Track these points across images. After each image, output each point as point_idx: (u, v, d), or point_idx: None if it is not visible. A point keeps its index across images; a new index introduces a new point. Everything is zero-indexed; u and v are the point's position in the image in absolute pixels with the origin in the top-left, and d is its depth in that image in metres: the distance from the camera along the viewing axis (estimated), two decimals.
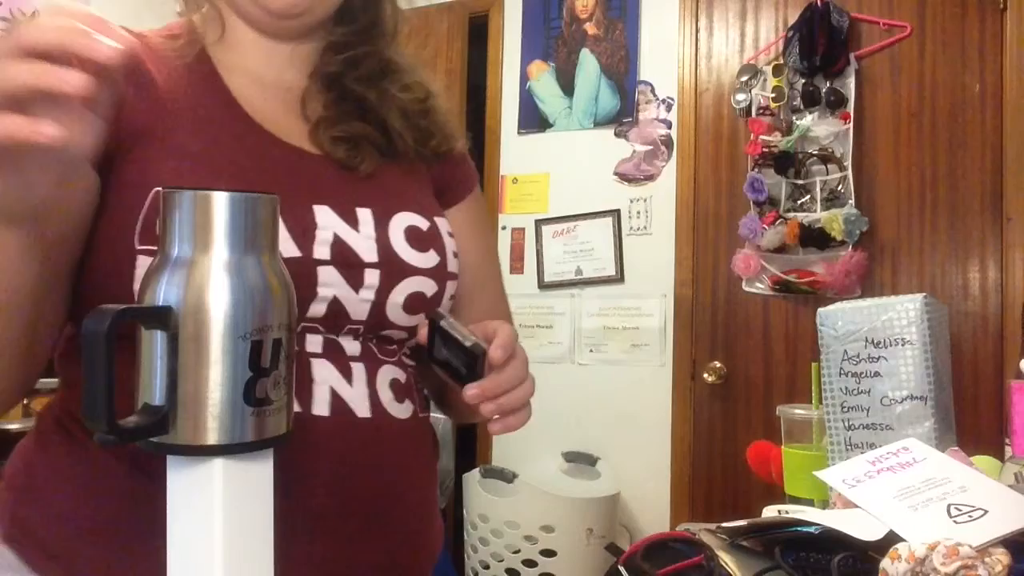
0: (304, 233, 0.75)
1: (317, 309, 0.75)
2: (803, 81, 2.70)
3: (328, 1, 0.83)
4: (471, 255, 0.93)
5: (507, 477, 2.72)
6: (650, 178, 3.00)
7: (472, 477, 2.79)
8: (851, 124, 2.64)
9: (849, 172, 2.63)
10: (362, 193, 0.82)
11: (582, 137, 3.13)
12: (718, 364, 2.84)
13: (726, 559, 0.84)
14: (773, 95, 2.73)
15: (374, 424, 0.78)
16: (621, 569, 0.97)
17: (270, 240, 0.55)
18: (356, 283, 0.77)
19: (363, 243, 0.78)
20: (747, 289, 2.80)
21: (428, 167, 0.91)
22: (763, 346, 2.80)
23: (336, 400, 0.76)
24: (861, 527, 0.81)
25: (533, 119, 3.22)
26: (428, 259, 0.82)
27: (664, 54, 3.01)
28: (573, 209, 3.10)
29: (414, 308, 0.81)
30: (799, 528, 0.85)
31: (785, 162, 2.69)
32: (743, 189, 2.74)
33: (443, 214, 0.90)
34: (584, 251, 3.07)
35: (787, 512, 1.07)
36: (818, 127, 2.68)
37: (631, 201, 3.02)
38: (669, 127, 2.98)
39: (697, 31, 2.96)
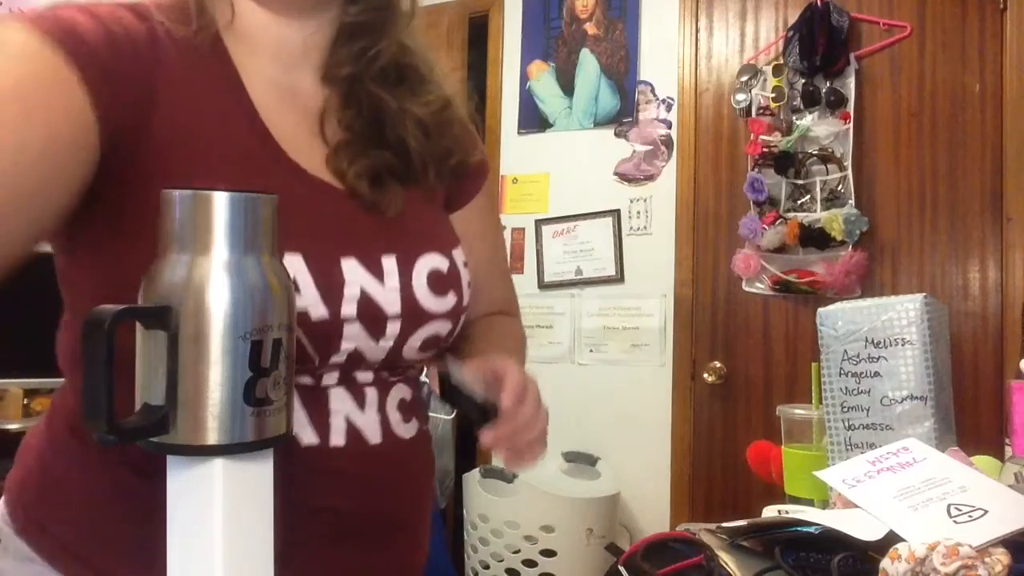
0: (331, 291, 0.74)
1: (336, 359, 0.77)
2: (803, 81, 2.70)
3: None
4: (479, 252, 0.94)
5: (507, 477, 2.72)
6: (650, 178, 3.00)
7: (472, 477, 2.79)
8: (851, 124, 2.64)
9: (849, 172, 2.63)
10: (387, 238, 0.80)
11: (582, 137, 3.13)
12: (718, 364, 2.84)
13: (726, 559, 0.84)
14: (773, 95, 2.73)
15: (385, 449, 0.81)
16: (621, 569, 0.97)
17: (270, 240, 0.55)
18: (378, 335, 0.78)
19: (387, 296, 0.78)
20: (747, 289, 2.80)
21: (444, 184, 0.90)
22: (763, 346, 2.80)
23: (350, 428, 0.78)
24: (861, 527, 0.81)
25: (533, 119, 3.22)
26: (447, 302, 0.83)
27: (664, 54, 3.01)
28: (573, 209, 3.10)
29: (429, 347, 0.84)
30: (799, 528, 0.85)
31: (785, 162, 2.69)
32: (743, 189, 2.74)
33: (458, 240, 0.89)
34: (584, 251, 3.07)
35: (787, 512, 1.07)
36: (818, 127, 2.68)
37: (631, 201, 3.02)
38: (669, 127, 2.98)
39: (697, 31, 2.96)
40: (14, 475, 0.82)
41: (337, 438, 0.77)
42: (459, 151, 0.90)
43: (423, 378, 0.92)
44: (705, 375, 2.84)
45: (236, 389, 0.52)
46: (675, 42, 2.99)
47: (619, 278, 3.02)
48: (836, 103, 2.65)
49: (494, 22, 3.31)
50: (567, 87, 3.17)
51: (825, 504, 1.19)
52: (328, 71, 0.83)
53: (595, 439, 2.96)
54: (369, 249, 0.78)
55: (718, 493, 2.83)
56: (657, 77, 3.02)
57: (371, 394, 0.80)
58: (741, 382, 2.83)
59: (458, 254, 0.87)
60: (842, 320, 1.22)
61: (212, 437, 0.52)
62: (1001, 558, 0.72)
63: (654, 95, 3.02)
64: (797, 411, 1.41)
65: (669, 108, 2.99)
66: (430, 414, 0.96)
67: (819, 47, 2.64)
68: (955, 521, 0.79)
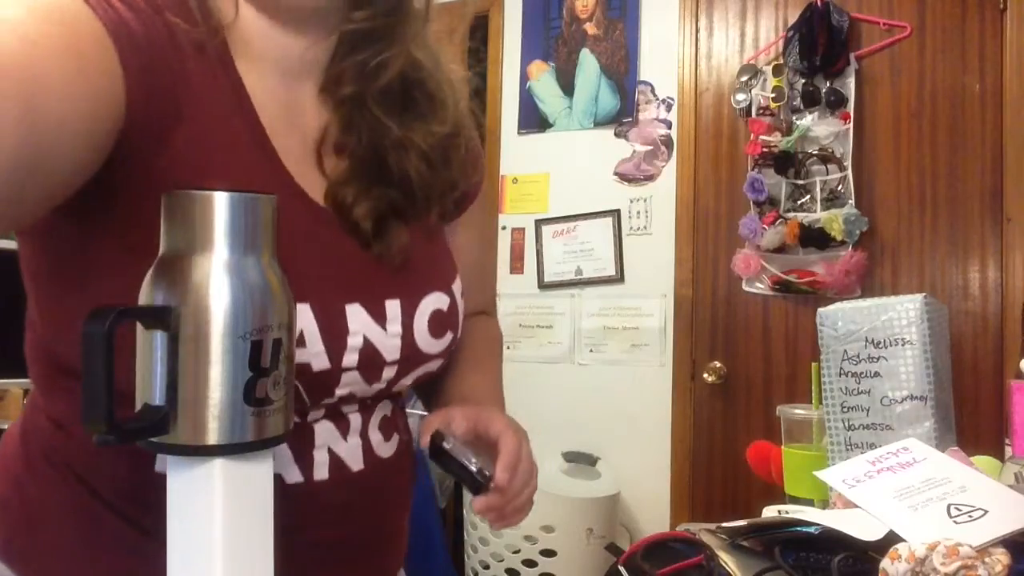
0: (335, 341, 0.72)
1: (328, 401, 0.76)
2: (803, 81, 2.70)
3: None
4: (468, 256, 0.92)
5: None
6: (650, 178, 3.00)
7: None
8: (851, 124, 2.64)
9: (849, 172, 2.63)
10: (390, 281, 0.77)
11: (582, 137, 3.13)
12: (718, 364, 2.84)
13: (726, 559, 0.84)
14: (773, 95, 2.73)
15: (367, 474, 0.80)
16: (621, 569, 0.97)
17: (270, 240, 0.55)
18: (373, 379, 0.77)
19: (389, 342, 0.76)
20: (747, 289, 2.80)
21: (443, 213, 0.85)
22: (763, 346, 2.80)
23: (333, 459, 0.77)
24: (861, 527, 0.81)
25: (533, 119, 3.22)
26: (443, 342, 0.82)
27: (664, 54, 3.01)
28: (573, 209, 3.10)
29: (420, 381, 0.83)
30: (799, 528, 0.85)
31: (785, 162, 2.69)
32: (743, 189, 2.74)
33: (456, 271, 0.86)
34: (584, 251, 3.07)
35: (787, 512, 1.07)
36: (818, 127, 2.68)
37: (631, 201, 3.02)
38: (669, 127, 2.99)
39: (697, 31, 2.96)
40: None
41: (321, 472, 0.76)
42: (463, 181, 0.86)
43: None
44: (705, 375, 2.84)
45: (236, 389, 0.52)
46: (675, 42, 2.99)
47: (619, 278, 3.02)
48: (836, 103, 2.65)
49: (494, 22, 3.31)
50: (567, 87, 3.17)
51: (825, 504, 1.19)
52: (329, 86, 0.77)
53: (595, 439, 2.96)
54: (373, 294, 0.76)
55: (718, 493, 2.83)
56: (657, 77, 3.02)
57: (354, 420, 0.79)
58: (741, 382, 2.83)
59: (456, 286, 0.85)
60: (842, 320, 1.22)
61: (212, 437, 0.52)
62: (1001, 558, 0.72)
63: (654, 95, 3.02)
64: (797, 411, 1.41)
65: (669, 108, 2.99)
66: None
67: (819, 47, 2.65)
68: (955, 521, 0.79)
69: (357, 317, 0.74)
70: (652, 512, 2.88)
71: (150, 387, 0.52)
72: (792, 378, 2.72)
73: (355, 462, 0.79)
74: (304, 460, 0.75)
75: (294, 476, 0.74)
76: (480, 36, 3.38)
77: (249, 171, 0.70)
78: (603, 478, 2.84)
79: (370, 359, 0.75)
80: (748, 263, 2.72)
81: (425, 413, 0.89)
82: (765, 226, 2.67)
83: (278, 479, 0.67)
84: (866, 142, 2.67)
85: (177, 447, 0.52)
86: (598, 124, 3.10)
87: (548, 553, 2.58)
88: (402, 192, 0.78)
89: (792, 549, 0.83)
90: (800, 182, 2.71)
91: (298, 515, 0.73)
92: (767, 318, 2.80)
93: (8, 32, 0.51)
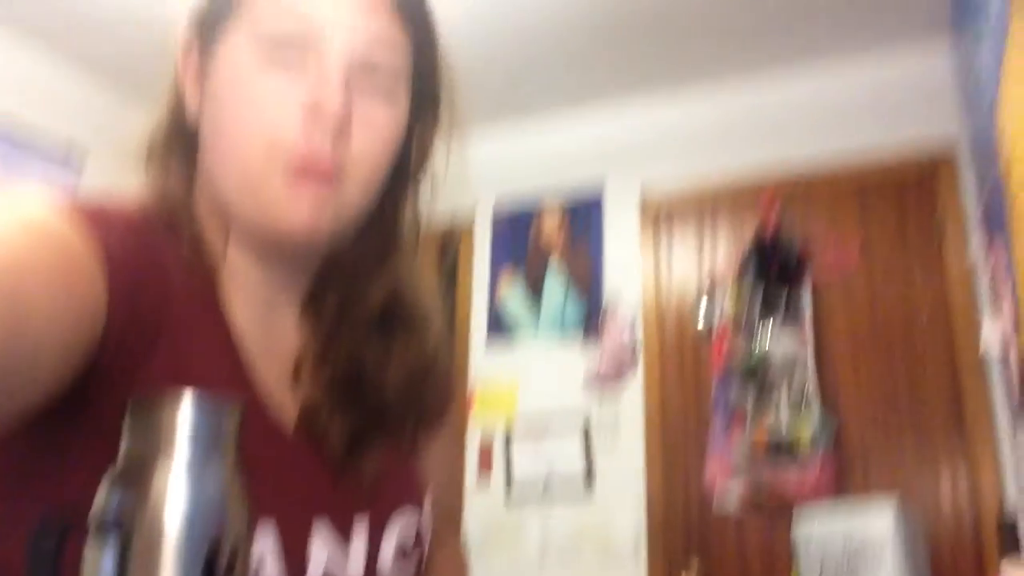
0: (296, 572, 0.65)
1: None
2: (761, 300, 2.82)
3: (348, 220, 0.69)
4: (436, 477, 0.87)
5: None
6: (617, 389, 3.03)
7: None
8: (810, 338, 2.73)
9: (813, 384, 2.68)
10: (361, 498, 0.72)
11: (550, 347, 3.19)
12: None
13: None
14: (733, 312, 2.84)
15: None
16: None
17: (232, 444, 0.55)
18: None
19: (351, 569, 0.70)
20: (719, 501, 2.75)
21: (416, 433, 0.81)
22: (738, 559, 2.71)
23: None
24: None
25: (501, 329, 3.29)
26: (409, 566, 0.76)
27: (627, 271, 3.15)
28: (541, 419, 3.09)
29: None
30: None
31: (749, 374, 2.75)
32: (709, 401, 2.77)
33: (427, 486, 0.81)
34: (553, 462, 3.03)
35: None
36: (778, 342, 2.76)
37: (599, 411, 3.03)
38: (634, 339, 3.06)
39: (658, 252, 3.12)
40: None
41: None
42: (438, 407, 0.82)
43: None
44: None
45: None
46: (637, 261, 3.14)
47: (588, 492, 2.95)
48: (794, 319, 2.76)
49: (464, 236, 3.47)
50: (535, 299, 3.27)
51: None
52: (309, 310, 0.75)
53: None
54: (342, 511, 0.71)
55: None
56: (621, 290, 3.14)
57: None
58: None
59: (427, 503, 0.80)
60: (817, 529, 1.20)
61: None
62: None
63: (619, 307, 3.13)
64: None
65: (634, 321, 3.08)
66: None
67: (773, 270, 2.79)
68: None
69: (319, 550, 0.68)
70: None
71: None
72: None
73: None
74: None
75: None
76: (450, 251, 3.52)
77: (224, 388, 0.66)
78: None
79: None
80: (719, 475, 2.69)
81: None
82: (734, 436, 2.68)
83: None
84: (826, 356, 2.75)
85: None
86: (565, 335, 3.17)
87: None
88: (377, 412, 0.74)
89: None
90: (765, 394, 2.75)
91: None
92: (741, 529, 2.73)
93: None
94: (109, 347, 0.59)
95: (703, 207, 3.10)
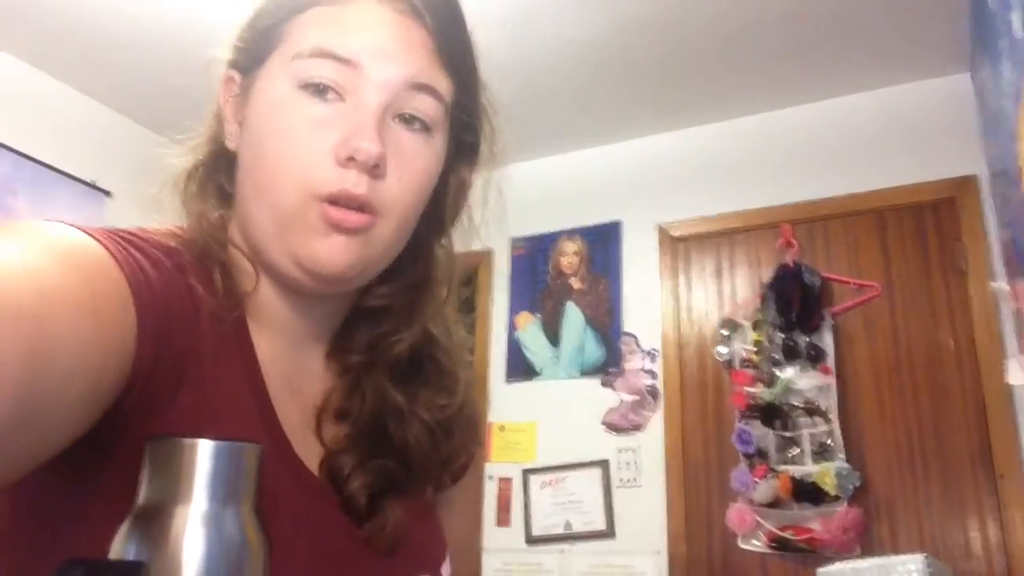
0: None
1: None
2: (782, 335, 2.79)
3: (381, 262, 0.69)
4: (456, 531, 0.85)
5: None
6: (637, 428, 3.00)
7: None
8: (833, 377, 2.69)
9: (836, 425, 2.63)
10: (378, 564, 0.70)
11: (569, 386, 3.16)
12: None
13: None
14: (754, 348, 2.81)
15: None
16: None
17: (251, 490, 0.54)
18: None
19: None
20: (743, 546, 2.69)
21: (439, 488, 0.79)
22: None
23: None
24: None
25: (520, 368, 3.27)
26: None
27: (646, 308, 3.13)
28: (561, 459, 3.06)
29: None
30: None
31: (771, 414, 2.71)
32: (731, 440, 2.73)
33: (446, 549, 0.79)
34: (573, 503, 2.99)
35: None
36: (800, 380, 2.72)
37: (619, 451, 2.99)
38: (654, 377, 3.03)
39: (677, 287, 3.11)
40: None
41: None
42: (463, 454, 0.80)
43: None
44: None
45: None
46: (657, 297, 3.12)
47: (610, 533, 2.91)
48: (816, 357, 2.72)
49: (482, 274, 3.47)
50: (553, 337, 3.25)
51: None
52: (337, 353, 0.74)
53: None
54: None
55: None
56: (640, 329, 3.12)
57: None
58: None
59: (445, 567, 0.78)
60: None
61: None
62: None
63: (638, 346, 3.10)
64: None
65: (654, 359, 3.06)
66: None
67: (794, 304, 2.76)
68: None
69: None
70: None
71: None
72: None
73: None
74: None
75: None
76: (469, 286, 3.52)
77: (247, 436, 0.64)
78: None
79: None
80: (743, 518, 2.64)
81: None
82: (757, 479, 2.63)
83: None
84: (849, 395, 2.70)
85: None
86: (584, 373, 3.15)
87: None
88: (401, 464, 0.72)
89: None
90: (788, 434, 2.70)
91: None
92: (765, 574, 2.67)
93: (26, 280, 0.48)
94: (137, 384, 0.57)
95: (721, 242, 3.08)
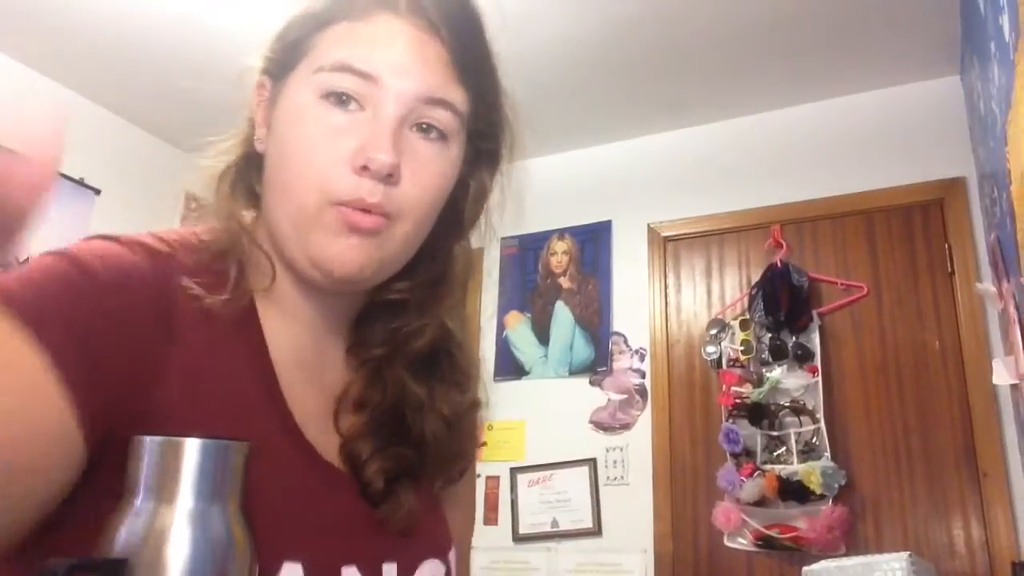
0: None
1: None
2: (769, 335, 2.80)
3: (395, 264, 0.72)
4: (456, 528, 0.87)
5: None
6: (625, 427, 3.01)
7: None
8: (819, 377, 2.70)
9: (822, 424, 2.65)
10: (391, 543, 0.72)
11: (558, 385, 3.17)
12: None
13: None
14: (742, 348, 2.82)
15: None
16: None
17: (238, 488, 0.54)
18: None
19: None
20: (729, 544, 2.70)
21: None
22: None
23: None
24: None
25: (509, 367, 3.28)
26: None
27: (635, 307, 3.14)
28: (549, 457, 3.07)
29: None
30: None
31: (758, 413, 2.72)
32: (718, 440, 2.74)
33: (452, 540, 0.81)
34: (561, 501, 2.99)
35: None
36: (788, 380, 2.74)
37: (607, 450, 3.00)
38: (643, 377, 3.04)
39: (666, 287, 3.12)
40: None
41: None
42: (468, 453, 0.83)
43: None
44: None
45: None
46: (645, 296, 3.13)
47: (597, 531, 2.91)
48: (803, 357, 2.74)
49: (473, 273, 3.46)
50: (543, 336, 3.26)
51: None
52: (357, 347, 0.77)
53: None
54: (371, 556, 0.71)
55: None
56: (629, 329, 3.12)
57: None
58: None
59: (452, 556, 0.80)
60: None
61: None
62: None
63: (627, 346, 3.11)
64: None
65: (642, 358, 3.07)
66: None
67: (782, 304, 2.78)
68: None
69: None
70: None
71: None
72: None
73: None
74: None
75: None
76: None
77: (254, 425, 0.65)
78: None
79: None
80: (729, 516, 2.65)
81: None
82: (743, 478, 2.64)
83: None
84: (836, 395, 2.72)
85: None
86: (573, 373, 3.16)
87: None
88: (417, 454, 0.75)
89: None
90: (774, 433, 2.72)
91: None
92: (751, 572, 2.68)
93: None
94: (99, 426, 0.57)
95: (711, 242, 3.10)
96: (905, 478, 2.58)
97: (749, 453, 2.71)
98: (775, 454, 2.70)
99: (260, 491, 0.56)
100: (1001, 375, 2.05)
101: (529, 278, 3.38)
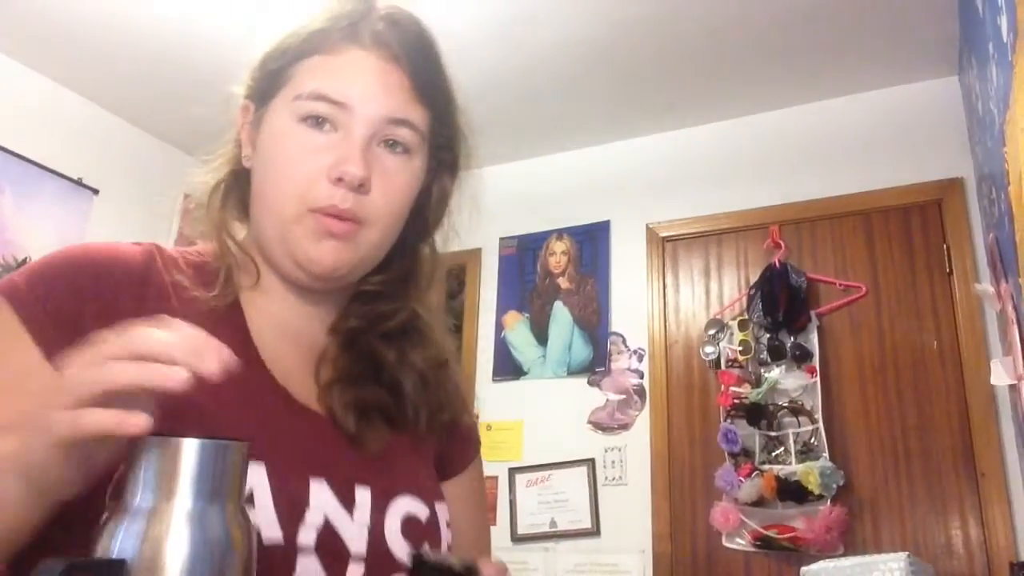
0: (291, 512, 0.69)
1: None
2: (768, 335, 2.80)
3: (368, 262, 0.82)
4: (464, 527, 0.89)
5: None
6: (624, 427, 3.01)
7: None
8: (818, 377, 2.70)
9: (821, 425, 2.65)
10: (365, 469, 0.77)
11: (556, 385, 3.17)
12: None
13: None
14: (740, 348, 2.82)
15: None
16: None
17: (236, 487, 0.54)
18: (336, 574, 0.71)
19: (354, 531, 0.73)
20: (727, 545, 2.70)
21: (434, 439, 0.87)
22: None
23: None
24: None
25: (508, 367, 3.28)
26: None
27: (634, 307, 3.14)
28: (547, 457, 3.07)
29: None
30: None
31: (756, 413, 2.72)
32: (717, 440, 2.74)
33: (444, 497, 0.85)
34: (559, 501, 2.99)
35: None
36: (786, 380, 2.74)
37: (606, 450, 3.00)
38: (641, 377, 3.04)
39: (664, 287, 3.12)
40: None
41: None
42: (451, 408, 0.89)
43: None
44: None
45: None
46: (644, 297, 3.13)
47: (595, 531, 2.91)
48: (802, 357, 2.74)
49: (471, 273, 3.47)
50: (541, 337, 3.26)
51: None
52: (336, 325, 0.85)
53: None
54: (343, 475, 0.74)
55: None
56: (628, 329, 3.12)
57: None
58: None
59: (441, 509, 0.82)
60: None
61: None
62: None
63: (625, 346, 3.11)
64: None
65: (641, 359, 3.07)
66: None
67: (780, 304, 2.78)
68: None
69: (320, 493, 0.71)
70: None
71: None
72: None
73: None
74: None
75: None
76: (457, 284, 3.52)
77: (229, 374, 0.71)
78: None
79: (330, 545, 0.70)
80: (727, 517, 2.65)
81: None
82: (742, 478, 2.64)
83: None
84: (834, 395, 2.72)
85: None
86: (572, 373, 3.16)
87: None
88: (393, 398, 0.83)
89: None
90: (773, 434, 2.72)
91: None
92: (749, 571, 2.68)
93: None
94: None
95: (709, 242, 3.10)
96: (903, 478, 2.58)
97: (747, 453, 2.71)
98: (773, 454, 2.70)
99: (225, 409, 0.65)
100: (999, 375, 2.05)
101: (528, 278, 3.38)
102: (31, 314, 0.68)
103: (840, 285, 2.82)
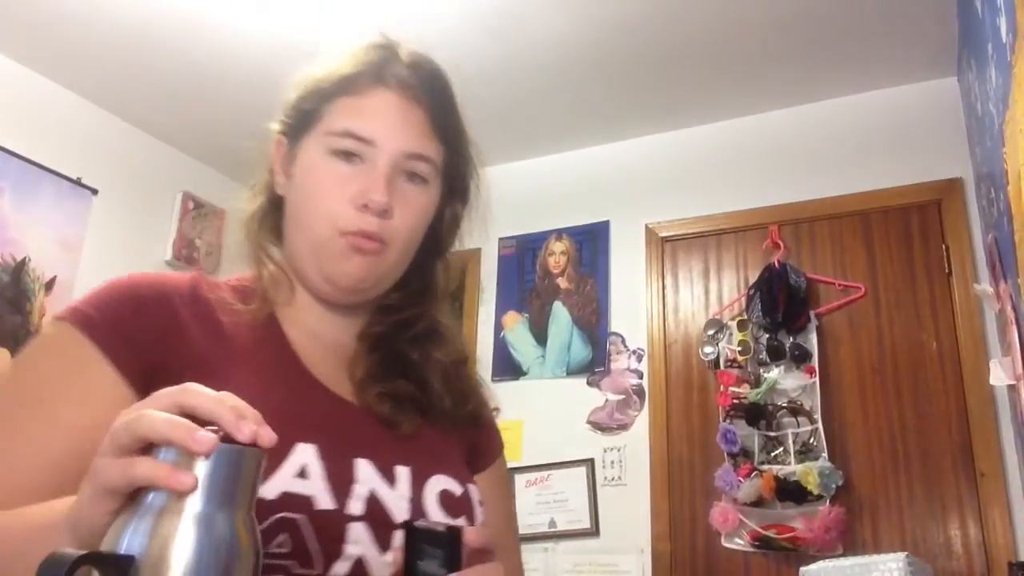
0: (341, 485, 0.77)
1: (340, 568, 0.74)
2: (767, 336, 2.81)
3: (390, 278, 0.92)
4: (493, 520, 0.93)
5: None
6: (623, 427, 3.01)
7: None
8: (817, 378, 2.71)
9: (820, 425, 2.65)
10: (402, 451, 0.85)
11: (555, 385, 3.17)
12: None
13: None
14: (739, 348, 2.82)
15: None
16: None
17: (249, 494, 0.54)
18: (384, 543, 0.77)
19: (397, 502, 0.80)
20: (726, 545, 2.71)
21: (462, 432, 0.96)
22: None
23: None
24: None
25: (507, 367, 3.28)
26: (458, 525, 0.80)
27: (633, 308, 3.14)
28: (547, 457, 3.07)
29: None
30: None
31: (756, 414, 2.72)
32: (716, 440, 2.74)
33: (474, 481, 0.92)
34: (558, 501, 3.00)
35: None
36: (785, 380, 2.74)
37: (605, 450, 3.00)
38: (640, 377, 3.04)
39: (664, 287, 3.12)
40: None
41: None
42: (475, 400, 0.98)
43: None
44: None
45: None
46: (643, 297, 3.13)
47: (594, 531, 2.92)
48: (801, 357, 2.74)
49: (471, 274, 3.47)
50: (540, 337, 3.26)
51: None
52: (364, 332, 0.94)
53: None
54: (383, 456, 0.82)
55: None
56: (627, 329, 3.13)
57: None
58: None
59: (473, 490, 0.89)
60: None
61: None
62: None
63: (625, 346, 3.11)
64: None
65: (640, 359, 3.07)
66: None
67: (780, 304, 2.78)
68: None
69: (365, 469, 0.80)
70: None
71: None
72: None
73: None
74: None
75: None
76: (457, 285, 3.52)
77: (265, 362, 0.84)
78: None
79: (378, 514, 0.78)
80: (726, 517, 2.66)
81: None
82: (741, 478, 2.65)
83: None
84: (833, 395, 2.72)
85: None
86: (571, 373, 3.16)
87: None
88: (421, 391, 0.91)
89: None
90: (772, 434, 2.72)
91: None
92: (748, 571, 2.68)
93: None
94: (156, 375, 0.73)
95: (708, 242, 3.10)
96: (902, 479, 2.58)
97: (747, 453, 2.72)
98: (772, 454, 2.70)
99: (274, 402, 0.69)
100: (998, 376, 2.06)
101: (527, 279, 3.38)
102: (109, 343, 0.76)
103: (839, 285, 2.82)
